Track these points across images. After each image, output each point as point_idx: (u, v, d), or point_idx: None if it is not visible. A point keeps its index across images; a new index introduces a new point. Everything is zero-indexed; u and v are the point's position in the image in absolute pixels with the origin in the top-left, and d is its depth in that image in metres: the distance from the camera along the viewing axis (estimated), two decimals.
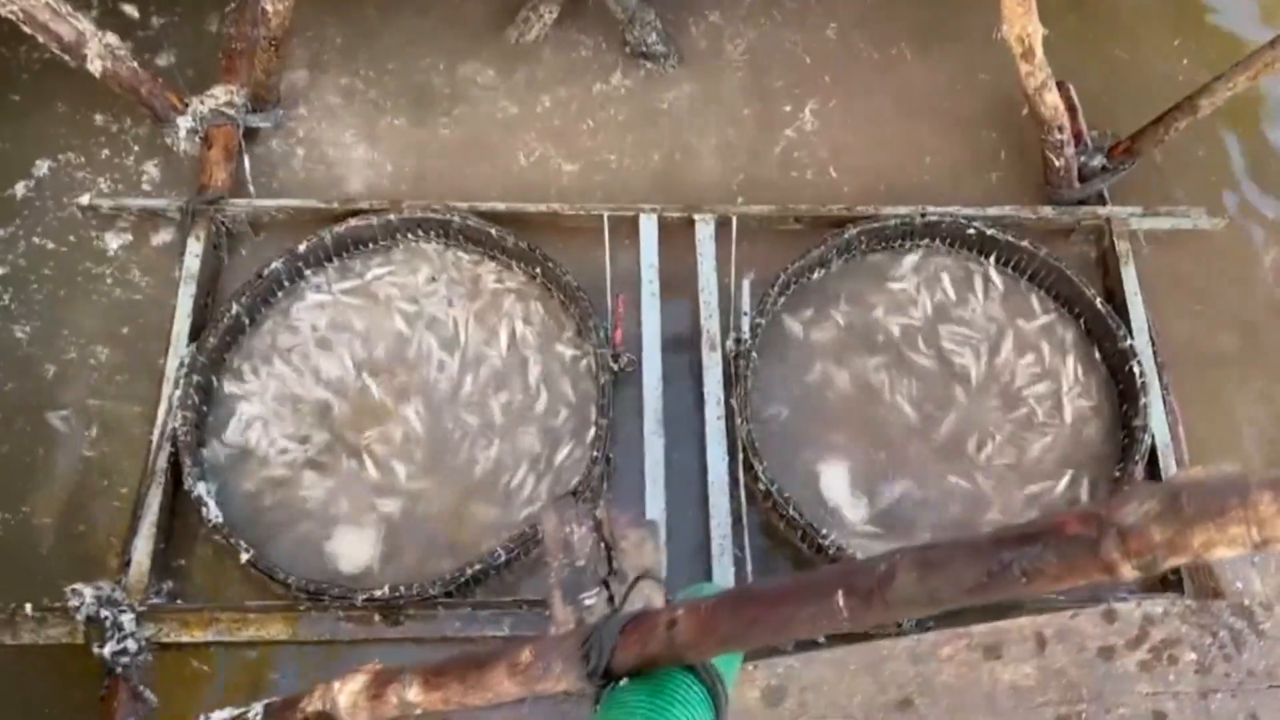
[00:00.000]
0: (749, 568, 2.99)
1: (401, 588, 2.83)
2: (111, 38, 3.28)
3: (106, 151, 3.64)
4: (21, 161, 3.61)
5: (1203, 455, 3.23)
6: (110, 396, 3.25)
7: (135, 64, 3.37)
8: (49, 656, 2.88)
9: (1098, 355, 3.34)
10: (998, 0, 2.95)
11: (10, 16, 3.11)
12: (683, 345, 3.33)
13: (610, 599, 2.15)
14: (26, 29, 3.15)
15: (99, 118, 3.70)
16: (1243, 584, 2.13)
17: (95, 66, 3.27)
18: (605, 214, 3.42)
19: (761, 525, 3.13)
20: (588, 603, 2.15)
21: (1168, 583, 2.95)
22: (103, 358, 3.31)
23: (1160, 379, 3.28)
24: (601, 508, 2.25)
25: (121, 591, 2.86)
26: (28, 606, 2.84)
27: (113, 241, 3.48)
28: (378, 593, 2.82)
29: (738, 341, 3.19)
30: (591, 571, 2.19)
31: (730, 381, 3.19)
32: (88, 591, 2.82)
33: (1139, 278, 3.42)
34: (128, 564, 2.92)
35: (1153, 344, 3.32)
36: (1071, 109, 3.70)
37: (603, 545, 2.21)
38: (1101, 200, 3.58)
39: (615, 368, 3.18)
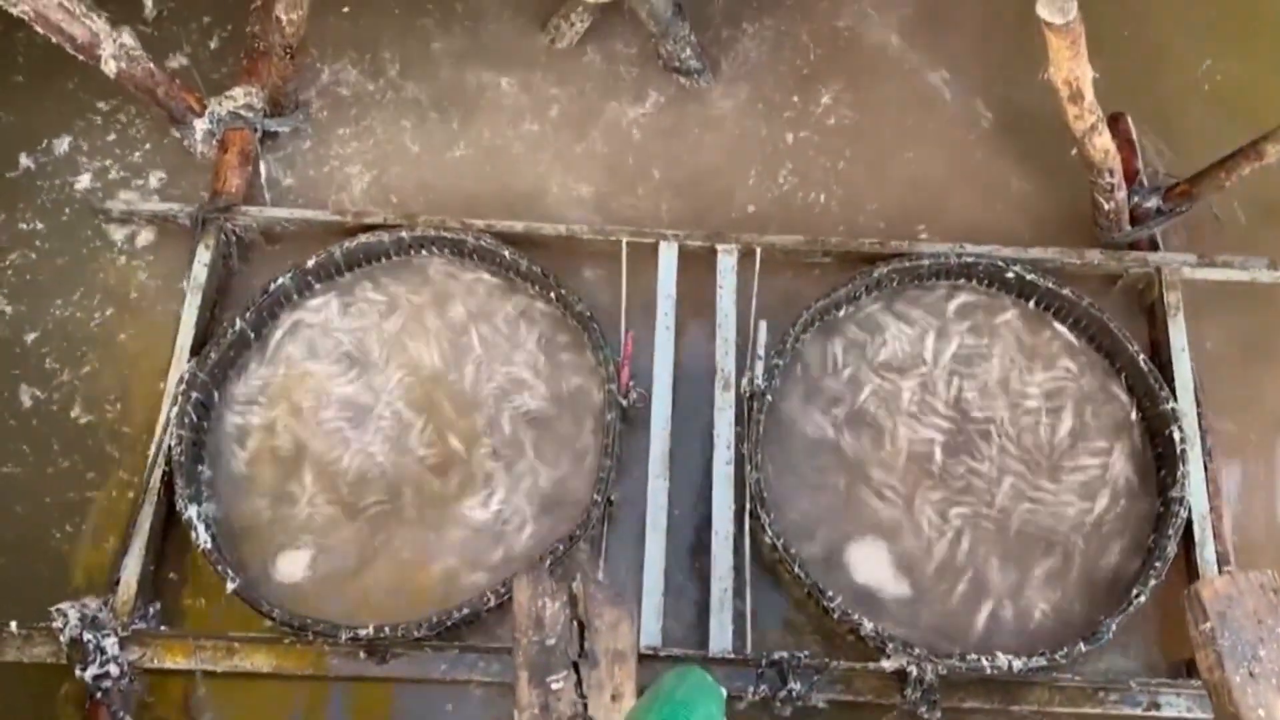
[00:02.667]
0: (749, 625, 2.87)
1: (387, 628, 2.75)
2: (127, 37, 3.19)
3: (113, 136, 3.61)
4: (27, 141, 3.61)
5: (1251, 532, 3.04)
6: (108, 406, 3.22)
7: (151, 64, 3.29)
8: (39, 674, 2.85)
9: (1135, 415, 3.14)
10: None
11: (21, 16, 3.03)
12: (697, 382, 3.20)
13: (578, 684, 2.06)
14: (39, 29, 3.07)
15: (104, 104, 3.66)
16: (1265, 712, 1.96)
17: (110, 67, 3.19)
18: (625, 239, 3.29)
19: (768, 580, 2.99)
20: (555, 686, 2.05)
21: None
22: (99, 366, 3.28)
23: (1203, 444, 3.08)
24: (578, 582, 2.14)
25: (108, 613, 2.81)
26: (13, 624, 2.81)
27: (117, 234, 3.47)
28: (362, 631, 2.74)
29: (751, 382, 3.04)
30: (561, 651, 2.09)
31: (743, 425, 3.05)
32: (72, 612, 2.77)
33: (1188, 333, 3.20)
34: (116, 584, 2.88)
35: (1198, 406, 3.11)
36: (1129, 144, 3.49)
37: (576, 624, 2.11)
38: (1153, 245, 3.36)
39: (624, 403, 3.05)
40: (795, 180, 3.59)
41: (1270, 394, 3.30)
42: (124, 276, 3.39)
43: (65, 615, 2.76)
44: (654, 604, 2.85)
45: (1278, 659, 2.01)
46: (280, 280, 3.18)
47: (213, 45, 3.78)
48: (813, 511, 3.04)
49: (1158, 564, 2.85)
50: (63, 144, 3.59)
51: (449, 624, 2.76)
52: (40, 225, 3.47)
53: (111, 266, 3.41)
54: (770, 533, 2.85)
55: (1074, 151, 3.16)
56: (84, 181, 3.53)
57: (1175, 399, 3.06)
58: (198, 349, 3.13)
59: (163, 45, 3.69)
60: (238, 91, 3.48)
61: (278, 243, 3.41)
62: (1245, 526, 3.09)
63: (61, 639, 2.75)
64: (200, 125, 3.44)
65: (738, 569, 2.89)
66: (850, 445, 3.11)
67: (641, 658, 2.66)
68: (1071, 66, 2.71)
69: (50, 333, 3.31)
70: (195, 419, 3.04)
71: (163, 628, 2.88)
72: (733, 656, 2.78)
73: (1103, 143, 3.02)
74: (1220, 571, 2.90)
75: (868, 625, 2.75)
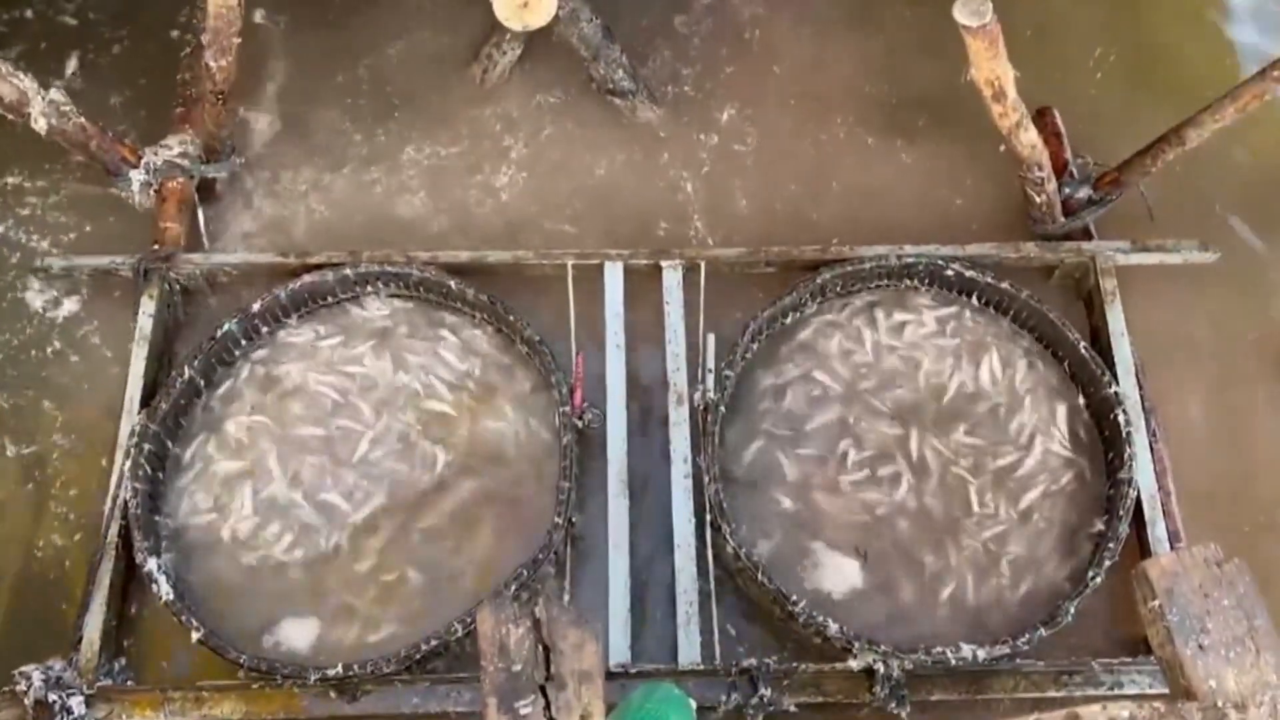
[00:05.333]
0: (716, 637, 2.89)
1: (355, 665, 2.74)
2: (56, 94, 3.17)
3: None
4: None
5: (1198, 507, 3.11)
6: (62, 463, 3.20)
7: (83, 119, 3.27)
8: None
9: (1083, 400, 3.20)
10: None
11: None
12: (651, 399, 3.23)
13: (546, 707, 2.07)
14: None
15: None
16: (1215, 683, 2.01)
17: (40, 125, 3.17)
18: (570, 262, 3.32)
19: (734, 590, 3.02)
20: (523, 711, 2.06)
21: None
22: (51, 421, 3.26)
23: (1148, 424, 3.15)
24: (541, 606, 2.16)
25: (72, 672, 2.79)
26: None
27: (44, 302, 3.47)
28: (330, 671, 2.73)
29: (704, 395, 3.08)
30: (528, 676, 2.10)
31: (699, 438, 3.08)
32: (35, 674, 2.73)
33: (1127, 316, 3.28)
34: (79, 642, 2.85)
35: (1140, 388, 3.18)
36: (1056, 136, 3.57)
37: (540, 647, 2.12)
38: (1087, 234, 3.44)
39: (580, 424, 3.07)
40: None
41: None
42: (62, 337, 3.40)
43: (29, 677, 2.73)
44: (620, 622, 2.87)
45: (1225, 630, 2.06)
46: (226, 326, 3.17)
47: (139, 96, 3.80)
48: None
49: (1111, 545, 2.90)
50: None
51: (418, 657, 2.76)
52: None
53: (48, 326, 3.41)
54: (732, 542, 2.88)
55: (1002, 148, 3.23)
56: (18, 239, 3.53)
57: (1117, 383, 3.13)
58: (148, 400, 3.11)
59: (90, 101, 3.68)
60: (172, 140, 3.46)
61: (220, 288, 3.40)
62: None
63: (26, 702, 2.71)
64: (137, 176, 3.42)
65: (702, 580, 2.92)
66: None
67: (611, 675, 2.70)
68: (992, 66, 2.77)
69: None
70: (150, 471, 3.02)
71: (129, 682, 2.86)
72: (702, 668, 2.80)
73: (1029, 138, 3.09)
74: (1171, 548, 2.97)
75: (833, 626, 2.78)
